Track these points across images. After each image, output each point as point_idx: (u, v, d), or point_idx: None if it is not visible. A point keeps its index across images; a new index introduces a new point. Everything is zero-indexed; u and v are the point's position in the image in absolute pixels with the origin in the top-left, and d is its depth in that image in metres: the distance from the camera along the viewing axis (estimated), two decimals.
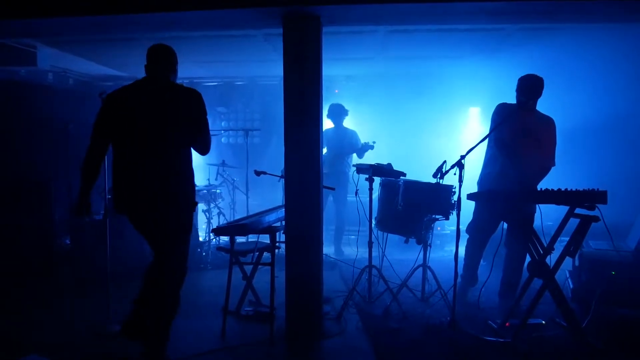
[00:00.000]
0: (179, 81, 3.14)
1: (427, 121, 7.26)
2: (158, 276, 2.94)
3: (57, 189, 5.56)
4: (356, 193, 4.34)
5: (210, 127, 3.08)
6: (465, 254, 4.34)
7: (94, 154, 2.93)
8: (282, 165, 3.75)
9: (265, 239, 3.65)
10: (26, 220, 5.07)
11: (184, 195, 2.94)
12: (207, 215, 6.05)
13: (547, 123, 3.95)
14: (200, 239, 6.04)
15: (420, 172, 4.43)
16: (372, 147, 5.90)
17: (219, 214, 6.23)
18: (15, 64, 5.88)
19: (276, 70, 6.78)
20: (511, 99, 3.99)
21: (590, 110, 5.86)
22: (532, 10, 3.54)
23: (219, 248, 4.22)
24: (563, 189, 3.23)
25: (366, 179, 4.19)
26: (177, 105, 2.90)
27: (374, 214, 4.30)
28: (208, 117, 3.04)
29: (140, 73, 3.07)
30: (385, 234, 4.50)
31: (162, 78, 2.98)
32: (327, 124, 6.09)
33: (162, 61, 3.00)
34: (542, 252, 3.46)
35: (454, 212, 3.73)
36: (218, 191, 6.29)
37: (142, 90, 2.93)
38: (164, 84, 2.96)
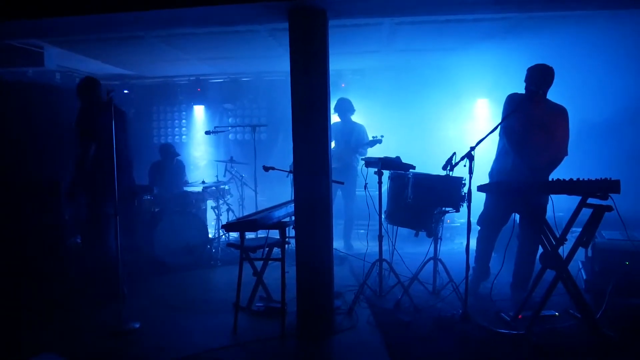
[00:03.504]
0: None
1: (435, 113, 7.22)
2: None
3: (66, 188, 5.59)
4: (365, 187, 4.32)
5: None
6: (477, 247, 4.30)
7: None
8: (290, 161, 3.74)
9: (275, 234, 3.66)
10: (37, 220, 5.12)
11: None
12: (216, 211, 6.06)
13: (559, 112, 3.90)
14: (210, 235, 6.06)
15: (430, 164, 4.40)
16: (380, 141, 5.88)
17: (228, 210, 6.24)
18: (22, 65, 5.91)
19: (282, 65, 6.81)
20: (520, 89, 3.94)
21: (601, 100, 5.78)
22: None
23: (229, 244, 4.23)
24: (575, 179, 3.19)
25: (375, 173, 4.17)
26: None
27: (384, 208, 4.28)
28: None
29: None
30: (395, 227, 4.48)
31: None
32: (334, 118, 6.07)
33: None
34: (554, 243, 3.42)
35: (465, 204, 3.70)
36: (226, 187, 6.30)
37: None
38: None
